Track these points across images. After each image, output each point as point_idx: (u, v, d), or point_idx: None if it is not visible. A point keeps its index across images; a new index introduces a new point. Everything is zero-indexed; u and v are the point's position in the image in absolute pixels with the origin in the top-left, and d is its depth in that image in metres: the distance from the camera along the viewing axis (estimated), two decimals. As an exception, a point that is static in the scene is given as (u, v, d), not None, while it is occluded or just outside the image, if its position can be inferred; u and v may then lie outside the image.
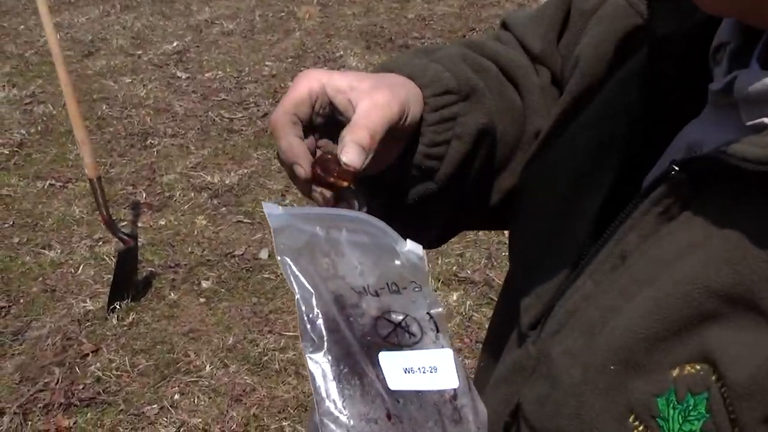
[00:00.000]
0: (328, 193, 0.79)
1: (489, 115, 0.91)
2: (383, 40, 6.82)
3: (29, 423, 3.10)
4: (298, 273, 0.71)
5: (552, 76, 1.01)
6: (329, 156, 0.79)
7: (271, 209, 0.74)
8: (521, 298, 0.84)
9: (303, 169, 0.79)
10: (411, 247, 0.78)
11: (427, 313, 0.76)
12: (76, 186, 4.72)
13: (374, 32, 6.98)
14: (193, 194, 4.63)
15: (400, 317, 0.74)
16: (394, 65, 0.90)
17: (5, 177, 4.79)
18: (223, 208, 4.49)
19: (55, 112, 5.55)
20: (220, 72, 6.30)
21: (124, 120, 5.47)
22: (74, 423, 3.12)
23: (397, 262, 0.77)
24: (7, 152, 5.08)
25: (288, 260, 0.71)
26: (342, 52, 6.61)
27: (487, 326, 1.03)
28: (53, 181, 4.78)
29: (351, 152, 0.77)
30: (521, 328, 0.83)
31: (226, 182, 4.74)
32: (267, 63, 6.47)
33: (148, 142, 5.21)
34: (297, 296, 0.70)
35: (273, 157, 5.02)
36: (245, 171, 4.87)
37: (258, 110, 5.67)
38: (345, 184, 0.79)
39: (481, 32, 6.90)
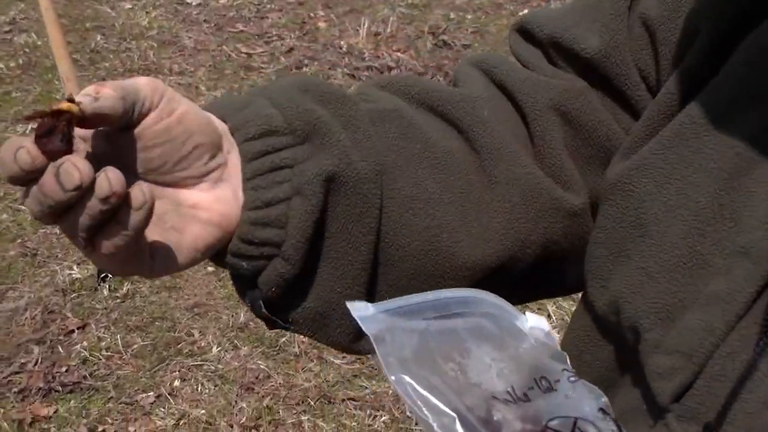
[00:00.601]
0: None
1: (344, 156, 0.82)
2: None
3: (1, 410, 3.10)
4: (426, 394, 0.63)
5: (607, 82, 0.91)
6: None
7: (360, 310, 0.70)
8: (650, 356, 0.74)
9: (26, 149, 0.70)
10: (534, 321, 0.73)
11: (600, 409, 0.68)
12: (64, 131, 4.71)
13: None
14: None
15: (570, 423, 0.66)
16: (211, 106, 0.84)
17: (-20, 120, 4.80)
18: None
19: (39, 43, 5.54)
20: (237, -2, 6.26)
21: (122, 54, 5.45)
22: (54, 412, 3.11)
23: (526, 346, 0.71)
24: (-17, 90, 5.09)
25: (407, 379, 0.64)
26: (384, -24, 6.52)
27: None
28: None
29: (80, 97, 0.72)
30: (655, 397, 0.73)
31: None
32: (294, -12, 6.41)
33: (149, 80, 5.18)
34: (434, 427, 0.62)
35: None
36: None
37: (282, 45, 5.62)
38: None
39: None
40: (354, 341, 0.89)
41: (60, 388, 3.20)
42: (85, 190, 0.69)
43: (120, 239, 0.72)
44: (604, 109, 0.92)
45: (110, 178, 0.69)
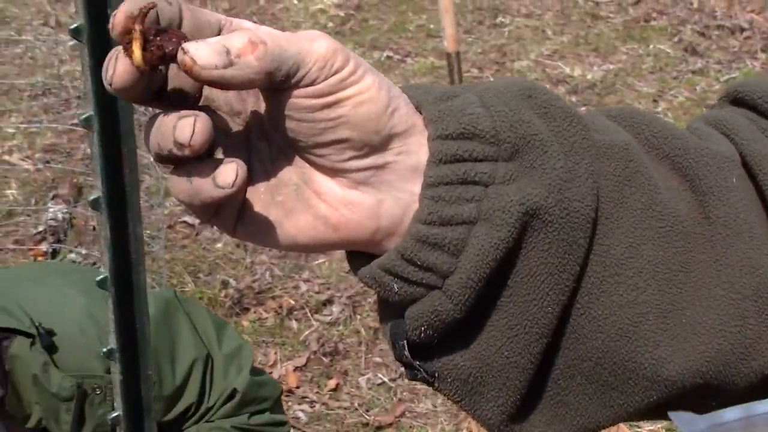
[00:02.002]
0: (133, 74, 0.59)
1: (556, 189, 0.66)
2: None
3: (359, 317, 3.32)
4: None
5: None
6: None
7: (688, 423, 0.58)
8: None
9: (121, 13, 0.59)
10: None
11: None
12: (416, 61, 4.90)
13: None
14: (548, 87, 4.67)
15: None
16: (411, 89, 0.69)
17: (341, 41, 5.05)
18: (582, 108, 4.49)
19: (396, -25, 5.76)
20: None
21: (474, -9, 5.59)
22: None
23: None
24: (343, 15, 5.36)
25: None
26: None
27: None
28: (391, 53, 4.98)
29: (200, 45, 0.59)
30: None
31: (588, 77, 4.72)
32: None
33: (498, 20, 5.28)
34: None
35: (645, 54, 4.93)
36: (611, 67, 4.83)
37: (629, -5, 5.56)
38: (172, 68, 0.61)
39: None
40: (508, 423, 0.72)
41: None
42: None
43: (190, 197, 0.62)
44: None
45: (239, 174, 0.60)
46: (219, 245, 3.67)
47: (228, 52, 0.58)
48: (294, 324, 3.29)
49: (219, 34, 0.62)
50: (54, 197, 3.86)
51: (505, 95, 0.68)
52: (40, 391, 1.81)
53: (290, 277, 3.49)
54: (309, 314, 3.32)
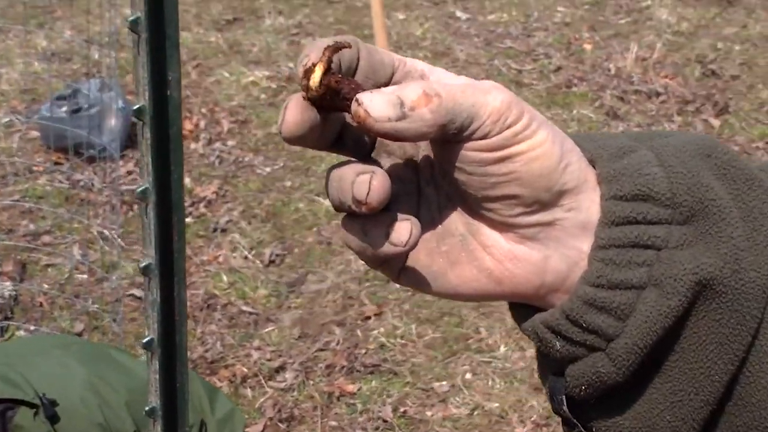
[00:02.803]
0: (312, 114, 0.60)
1: (732, 259, 0.63)
2: (700, -10, 6.75)
3: (311, 382, 3.38)
4: None
5: None
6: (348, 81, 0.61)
7: None
8: None
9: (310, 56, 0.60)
10: None
11: None
12: (349, 131, 5.02)
13: (689, -20, 6.91)
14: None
15: None
16: (584, 139, 0.68)
17: (274, 114, 5.16)
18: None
19: (324, 47, 5.89)
20: (504, 15, 6.46)
21: (400, 61, 5.73)
22: (359, 389, 3.37)
23: None
24: (275, 87, 5.47)
25: None
26: (649, 2, 6.60)
27: None
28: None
29: (374, 96, 0.58)
30: None
31: (516, 142, 4.88)
32: (559, 9, 6.57)
33: (426, 88, 5.44)
34: None
35: (569, 119, 5.12)
36: (537, 131, 5.00)
37: (549, 63, 5.78)
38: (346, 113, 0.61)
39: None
40: None
41: (362, 369, 3.46)
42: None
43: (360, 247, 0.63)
44: None
45: (413, 233, 0.62)
46: (168, 316, 3.70)
47: (402, 104, 0.57)
48: (248, 392, 3.33)
49: (392, 75, 0.63)
50: (-1, 275, 3.87)
51: (683, 153, 0.65)
52: (44, 460, 1.85)
53: (241, 345, 3.54)
54: (263, 381, 3.37)
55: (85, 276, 3.85)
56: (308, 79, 0.58)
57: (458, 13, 6.49)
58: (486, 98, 0.59)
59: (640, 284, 0.62)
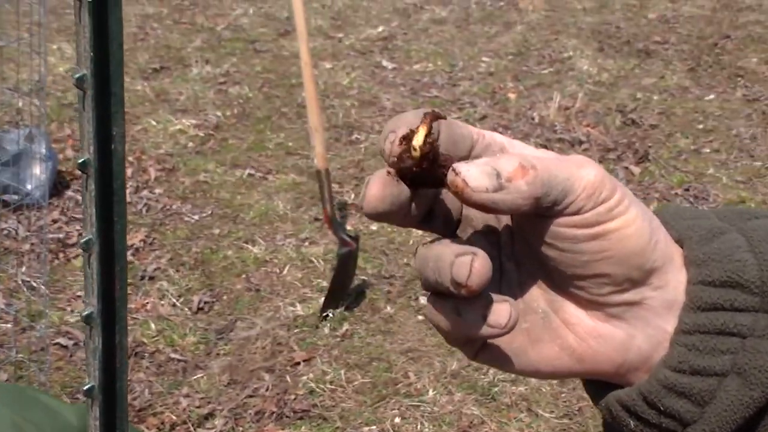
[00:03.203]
0: (403, 190, 0.60)
1: None
2: (619, 42, 6.94)
3: (241, 429, 3.38)
4: None
5: None
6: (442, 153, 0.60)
7: None
8: None
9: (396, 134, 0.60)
10: None
11: None
12: (277, 178, 5.05)
13: (608, 32, 7.10)
14: (406, 199, 4.88)
15: None
16: (671, 215, 0.67)
17: (201, 162, 5.17)
18: (440, 218, 4.71)
19: (251, 95, 5.94)
20: (430, 65, 6.57)
21: (327, 110, 5.79)
22: (288, 435, 3.38)
23: None
24: (203, 135, 5.48)
25: None
26: (570, 53, 6.77)
27: None
28: (252, 171, 5.12)
29: (472, 167, 0.57)
30: None
31: (443, 189, 4.95)
32: (484, 59, 6.70)
33: (353, 137, 5.50)
34: None
35: (495, 166, 5.21)
36: (463, 179, 5.08)
37: (475, 111, 5.89)
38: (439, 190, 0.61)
39: (737, 41, 6.90)
40: None
41: (291, 414, 3.47)
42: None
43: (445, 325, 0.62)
44: None
45: (512, 316, 0.60)
46: (94, 365, 3.67)
47: (498, 175, 0.56)
48: (177, 439, 3.31)
49: (471, 149, 0.61)
50: None
51: None
52: None
53: (170, 393, 3.53)
54: (192, 429, 3.35)
55: (10, 325, 3.81)
56: (408, 144, 0.58)
57: (384, 63, 6.59)
58: (580, 172, 0.59)
59: (723, 372, 0.61)
